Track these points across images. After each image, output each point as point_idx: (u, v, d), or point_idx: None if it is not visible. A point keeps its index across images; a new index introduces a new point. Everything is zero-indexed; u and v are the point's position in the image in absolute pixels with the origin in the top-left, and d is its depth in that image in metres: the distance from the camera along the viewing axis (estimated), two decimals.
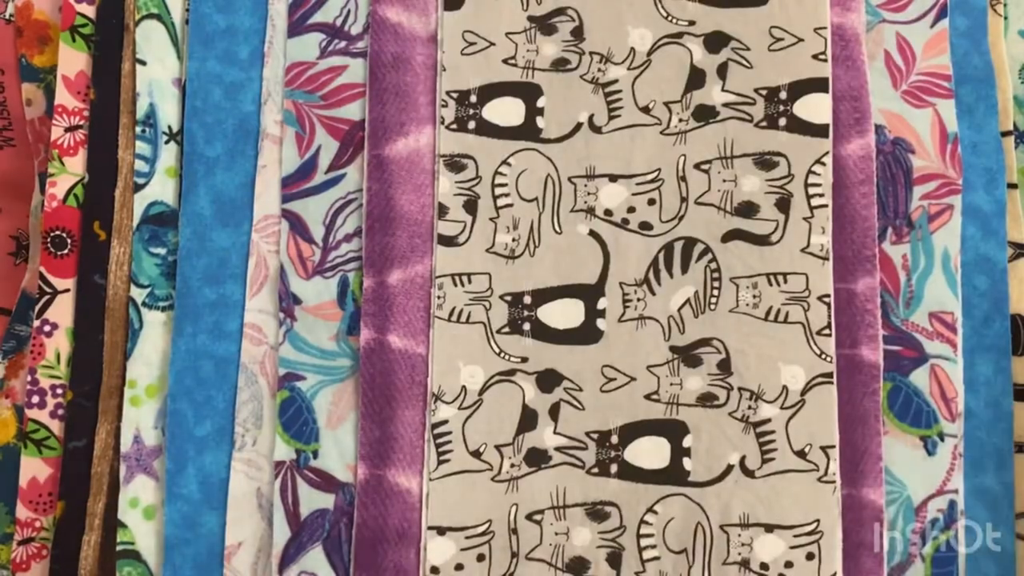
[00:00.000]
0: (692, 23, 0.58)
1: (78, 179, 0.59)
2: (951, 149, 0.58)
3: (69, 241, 0.59)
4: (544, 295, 0.57)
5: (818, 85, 0.57)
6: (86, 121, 0.60)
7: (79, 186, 0.59)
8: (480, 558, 0.55)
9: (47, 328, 0.58)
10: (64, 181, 0.59)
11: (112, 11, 0.61)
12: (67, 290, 0.58)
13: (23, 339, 0.61)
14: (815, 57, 0.58)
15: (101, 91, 0.60)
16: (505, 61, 0.59)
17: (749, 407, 0.55)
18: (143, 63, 0.60)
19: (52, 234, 0.58)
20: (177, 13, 0.61)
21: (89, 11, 0.61)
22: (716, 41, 0.58)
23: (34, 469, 0.58)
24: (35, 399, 0.58)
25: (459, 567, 0.55)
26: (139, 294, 0.58)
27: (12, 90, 0.63)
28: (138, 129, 0.59)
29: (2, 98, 0.63)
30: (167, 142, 0.59)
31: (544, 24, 0.59)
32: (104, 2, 0.61)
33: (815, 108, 0.57)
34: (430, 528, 0.55)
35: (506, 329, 0.57)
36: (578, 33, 0.59)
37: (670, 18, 0.59)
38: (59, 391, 0.58)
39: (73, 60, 0.60)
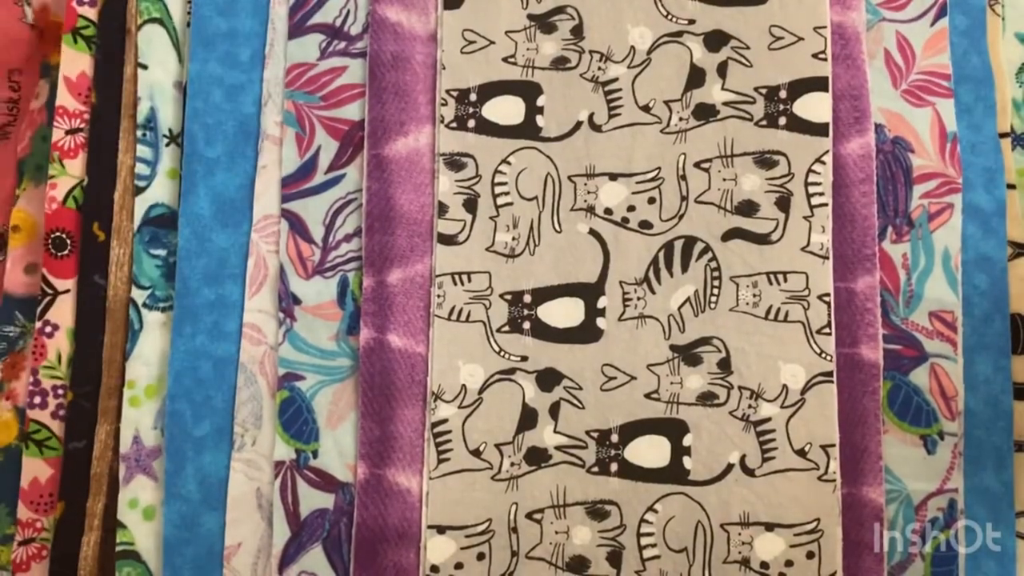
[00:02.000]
0: (692, 22, 0.58)
1: (78, 181, 0.59)
2: (951, 148, 0.58)
3: (69, 242, 0.59)
4: (544, 294, 0.57)
5: (818, 84, 0.57)
6: (86, 124, 0.60)
7: (78, 188, 0.59)
8: (480, 557, 0.55)
9: (48, 329, 0.58)
10: (64, 183, 0.59)
11: (114, 15, 0.61)
12: (68, 291, 0.58)
13: (12, 340, 0.60)
14: (815, 56, 0.58)
15: (102, 95, 0.60)
16: (505, 59, 0.59)
17: (749, 406, 0.55)
18: (144, 67, 0.60)
19: (53, 235, 0.59)
20: (178, 16, 0.61)
21: (91, 13, 0.61)
22: (716, 40, 0.58)
23: (35, 470, 0.58)
24: (36, 400, 0.58)
25: (459, 566, 0.55)
26: (140, 295, 0.58)
27: (27, 89, 0.64)
28: (139, 133, 0.59)
29: (16, 96, 0.63)
30: (167, 144, 0.59)
31: (544, 22, 0.59)
32: (106, 5, 0.61)
33: (815, 107, 0.57)
34: (430, 527, 0.55)
35: (506, 328, 0.56)
36: (578, 31, 0.59)
37: (670, 17, 0.58)
38: (60, 392, 0.58)
39: (75, 61, 0.60)
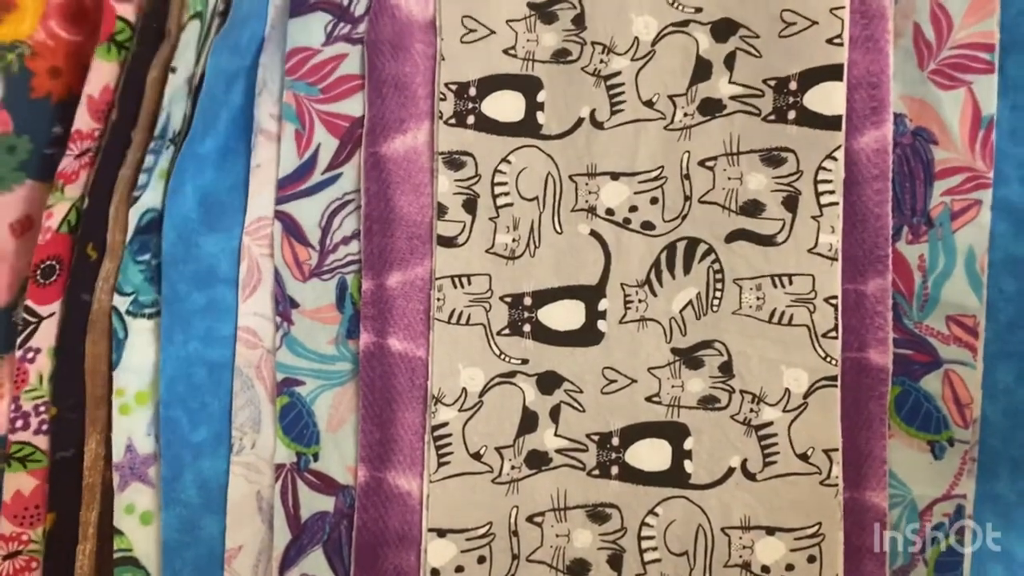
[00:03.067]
0: (699, 10, 0.56)
1: (73, 203, 0.56)
2: (983, 136, 0.54)
3: (58, 267, 0.56)
4: (544, 296, 0.56)
5: (831, 73, 0.54)
6: (96, 142, 0.56)
7: (73, 210, 0.56)
8: (481, 560, 0.55)
9: (30, 355, 0.56)
10: (60, 210, 0.55)
11: (155, 15, 0.55)
12: (52, 314, 0.56)
13: None
14: (829, 41, 0.54)
15: (123, 109, 0.55)
16: (505, 51, 0.57)
17: (751, 410, 0.54)
18: (174, 70, 0.57)
19: (43, 265, 0.55)
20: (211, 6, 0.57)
21: (128, 12, 0.53)
22: (724, 29, 0.55)
23: (18, 483, 0.56)
24: (19, 423, 0.56)
25: (459, 569, 0.55)
26: (122, 302, 0.56)
27: None
28: (153, 144, 0.57)
29: None
30: (167, 147, 0.57)
31: (544, 12, 0.57)
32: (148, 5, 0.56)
33: (827, 98, 0.54)
34: (430, 530, 0.55)
35: (506, 331, 0.56)
36: (579, 21, 0.56)
37: (676, 5, 0.56)
38: (42, 409, 0.56)
39: (101, 74, 0.54)
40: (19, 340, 0.56)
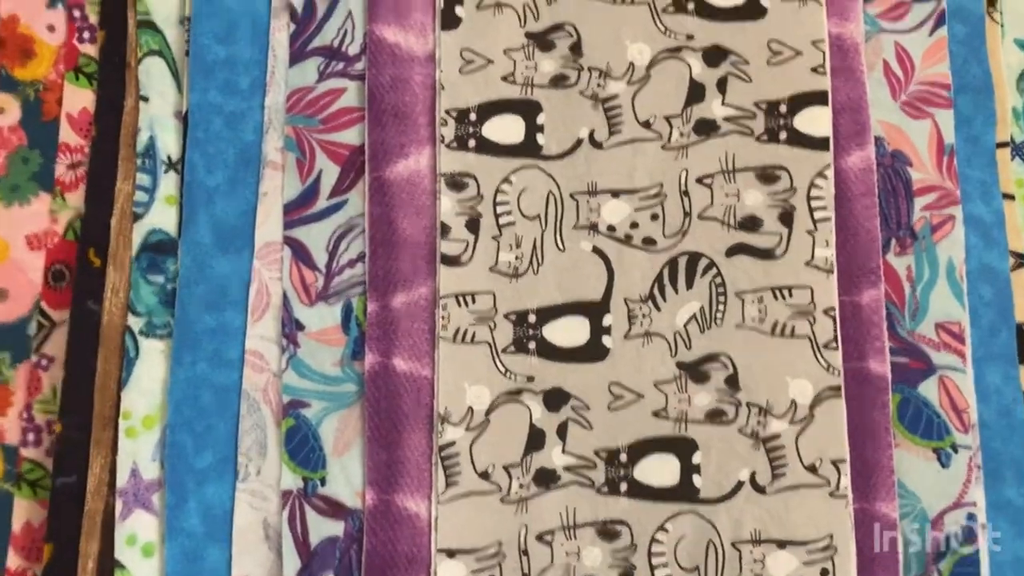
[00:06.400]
0: (691, 37, 0.58)
1: (77, 213, 0.59)
2: (947, 162, 0.58)
3: (67, 273, 0.58)
4: (549, 313, 0.56)
5: (818, 98, 0.57)
6: (86, 157, 0.60)
7: (78, 220, 0.59)
8: None
9: (44, 362, 0.57)
10: (64, 217, 0.59)
11: (114, 50, 0.61)
12: (64, 321, 0.57)
13: None
14: (814, 70, 0.58)
15: (101, 127, 0.60)
16: (504, 78, 0.58)
17: (758, 422, 0.55)
18: (146, 99, 0.59)
19: (53, 268, 0.58)
20: (177, 46, 0.60)
21: (92, 50, 0.62)
22: (715, 55, 0.58)
23: (28, 512, 0.56)
24: (31, 436, 0.56)
25: None
26: (136, 322, 0.56)
27: None
28: (138, 161, 0.59)
29: None
30: (166, 171, 0.59)
31: (542, 40, 0.59)
32: (106, 41, 0.61)
33: (815, 121, 0.57)
34: (440, 551, 0.54)
35: (511, 348, 0.56)
36: (576, 49, 0.58)
37: (668, 32, 0.58)
38: (55, 427, 0.56)
39: (76, 97, 0.61)
40: (35, 344, 0.57)
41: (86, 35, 0.61)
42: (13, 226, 0.59)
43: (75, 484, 0.55)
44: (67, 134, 0.60)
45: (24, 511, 0.56)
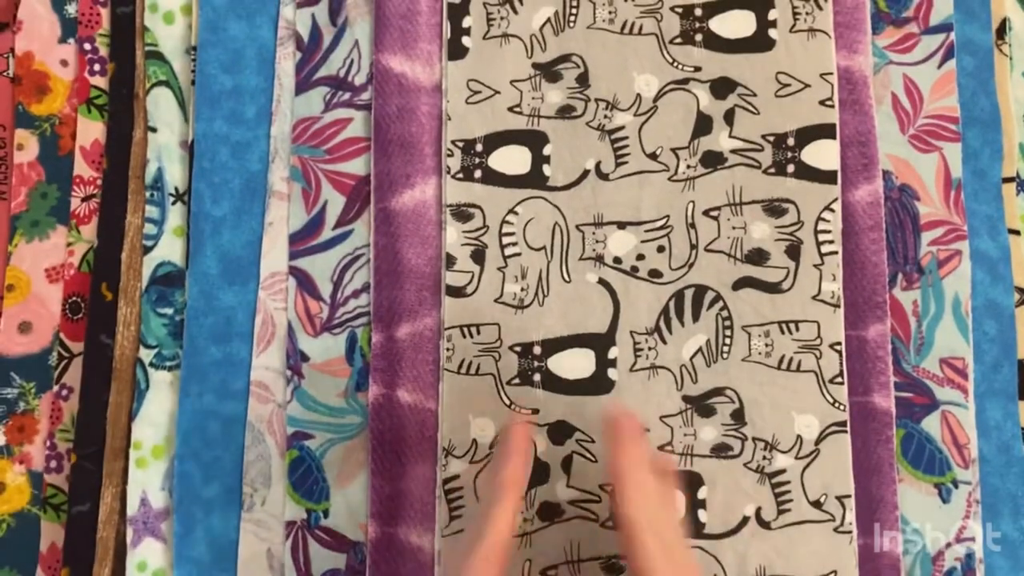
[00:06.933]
0: (698, 69, 0.58)
1: (91, 246, 0.60)
2: (954, 196, 0.58)
3: (83, 305, 0.59)
4: (554, 345, 0.56)
5: (826, 131, 0.57)
6: (99, 189, 0.60)
7: (91, 252, 0.60)
8: None
9: (64, 392, 0.58)
10: (80, 249, 0.60)
11: (123, 81, 0.62)
12: (81, 353, 0.58)
13: (11, 401, 0.59)
14: (822, 103, 0.57)
15: (112, 160, 0.61)
16: (510, 109, 0.58)
17: (764, 457, 0.55)
18: (154, 130, 0.60)
19: (70, 300, 0.59)
20: (183, 76, 0.60)
21: (102, 83, 0.62)
22: (723, 87, 0.58)
23: (53, 535, 0.57)
24: (53, 464, 0.58)
25: None
26: (147, 355, 0.57)
27: (9, 143, 0.63)
28: (147, 194, 0.59)
29: (3, 153, 0.62)
30: (174, 203, 0.59)
31: (549, 71, 0.58)
32: (116, 73, 0.62)
33: (823, 154, 0.57)
34: None
35: (516, 380, 0.56)
36: (583, 80, 0.58)
37: (676, 64, 0.58)
38: (72, 456, 0.58)
39: (89, 130, 0.62)
40: (55, 374, 0.58)
41: (97, 67, 0.62)
42: (35, 261, 0.60)
43: (88, 512, 0.56)
44: (81, 167, 0.61)
45: (50, 533, 0.58)
